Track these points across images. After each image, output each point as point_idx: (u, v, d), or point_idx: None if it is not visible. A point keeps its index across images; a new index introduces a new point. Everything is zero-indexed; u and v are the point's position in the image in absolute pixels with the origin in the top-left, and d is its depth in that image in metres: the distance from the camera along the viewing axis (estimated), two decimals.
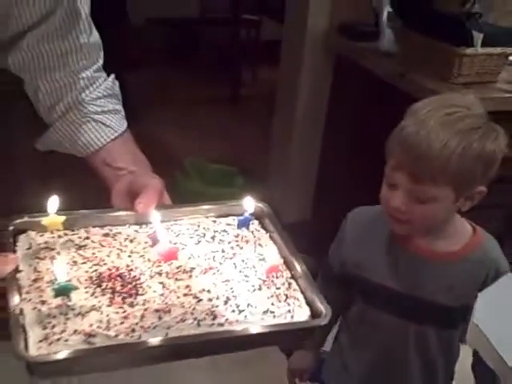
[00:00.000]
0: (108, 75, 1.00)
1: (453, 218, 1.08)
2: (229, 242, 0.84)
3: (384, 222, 1.08)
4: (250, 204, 0.86)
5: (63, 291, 0.69)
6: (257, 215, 0.88)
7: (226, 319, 0.70)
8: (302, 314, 0.72)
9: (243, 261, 0.80)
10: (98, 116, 0.97)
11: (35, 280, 0.72)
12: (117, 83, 1.01)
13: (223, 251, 0.82)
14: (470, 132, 0.98)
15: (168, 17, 4.40)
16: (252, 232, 0.86)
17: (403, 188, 0.99)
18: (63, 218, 0.80)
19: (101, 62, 1.00)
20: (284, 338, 0.74)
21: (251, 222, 0.86)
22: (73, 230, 0.82)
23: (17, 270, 0.73)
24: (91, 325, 0.67)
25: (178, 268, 0.77)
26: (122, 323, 0.68)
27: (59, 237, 0.81)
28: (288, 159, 2.49)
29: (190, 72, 4.44)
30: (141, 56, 4.10)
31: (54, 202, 0.80)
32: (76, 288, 0.72)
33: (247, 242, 0.84)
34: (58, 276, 0.70)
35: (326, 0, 2.20)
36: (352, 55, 2.14)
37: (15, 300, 0.69)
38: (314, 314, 0.73)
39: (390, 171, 1.02)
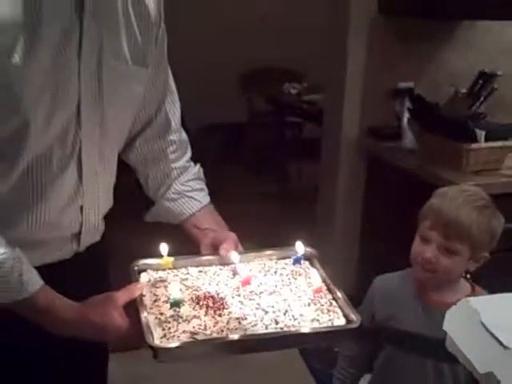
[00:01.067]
0: (195, 163, 1.39)
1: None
2: (286, 275, 1.18)
3: (406, 283, 1.45)
4: (300, 247, 1.22)
5: (176, 304, 1.06)
6: (306, 257, 1.22)
7: (285, 324, 1.03)
8: (339, 322, 1.05)
9: (297, 287, 1.13)
10: (189, 193, 1.32)
11: (155, 301, 1.08)
12: (201, 170, 1.38)
13: (282, 280, 1.16)
14: (483, 209, 1.37)
15: (221, 122, 4.91)
16: (304, 269, 1.20)
17: (435, 243, 1.36)
18: (172, 259, 1.18)
19: (189, 153, 1.36)
20: (326, 337, 1.07)
21: (302, 261, 1.21)
22: (177, 269, 1.20)
23: (142, 295, 1.09)
24: (194, 327, 1.01)
25: (250, 292, 1.12)
26: (214, 326, 1.02)
27: (168, 273, 1.18)
28: (330, 245, 2.86)
29: (240, 170, 4.90)
30: (196, 159, 4.58)
31: (164, 248, 1.18)
32: (183, 304, 1.07)
33: (300, 274, 1.18)
34: (173, 293, 1.07)
35: (356, 108, 2.62)
36: (381, 153, 2.56)
37: (144, 313, 1.04)
38: (349, 323, 1.05)
39: (425, 230, 1.39)
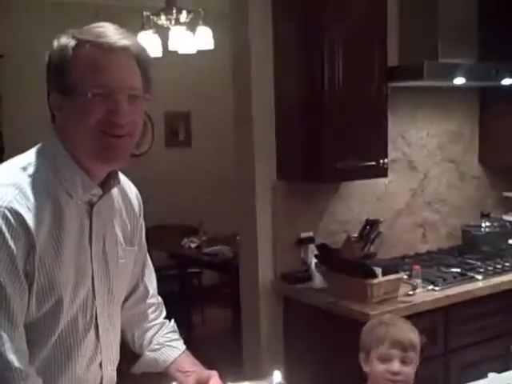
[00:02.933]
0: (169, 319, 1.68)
1: None
2: None
3: None
4: (278, 376, 1.51)
5: None
6: None
7: None
8: None
9: None
10: (169, 343, 1.61)
11: None
12: (175, 324, 1.67)
13: None
14: (411, 326, 1.88)
15: None
16: None
17: (397, 358, 1.79)
18: None
19: (165, 312, 1.67)
20: None
21: None
22: None
23: None
24: None
25: None
26: None
27: None
28: None
29: None
30: None
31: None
32: None
33: None
34: None
35: (269, 257, 3.01)
36: (294, 294, 2.95)
37: None
38: None
39: (385, 351, 1.80)
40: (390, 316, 2.02)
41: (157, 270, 4.83)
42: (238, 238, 3.31)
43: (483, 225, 3.42)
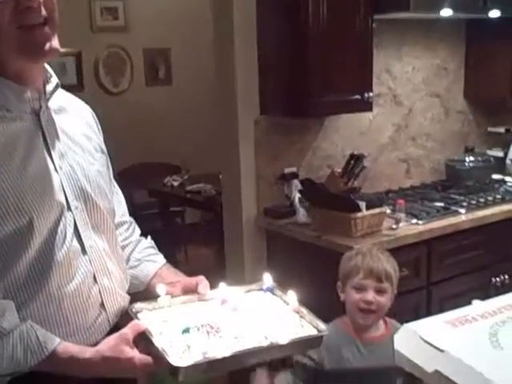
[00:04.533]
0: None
1: None
2: (265, 301, 1.46)
3: (340, 330, 1.83)
4: (268, 278, 1.49)
5: (186, 330, 1.26)
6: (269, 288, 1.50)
7: (272, 340, 1.27)
8: (311, 333, 1.33)
9: (275, 309, 1.41)
10: (147, 257, 1.56)
11: (161, 332, 1.28)
12: (152, 241, 1.63)
13: (263, 306, 1.43)
14: (389, 257, 1.88)
15: None
16: (277, 296, 1.48)
17: (371, 288, 1.80)
18: (169, 297, 1.40)
19: (139, 231, 1.62)
20: (306, 344, 1.37)
21: (275, 292, 1.48)
22: (171, 306, 1.40)
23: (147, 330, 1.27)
24: (203, 351, 1.21)
25: (241, 316, 1.35)
26: (217, 345, 1.23)
27: (169, 307, 1.39)
28: None
29: None
30: None
31: (162, 290, 1.39)
32: (189, 331, 1.27)
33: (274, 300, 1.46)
34: (182, 324, 1.28)
35: (252, 192, 2.99)
36: (278, 229, 2.95)
37: (157, 341, 1.22)
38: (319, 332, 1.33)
39: (359, 281, 1.82)
40: (368, 247, 2.02)
41: (139, 209, 4.79)
42: (220, 176, 3.28)
43: (467, 159, 3.42)
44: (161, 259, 1.61)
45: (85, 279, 1.31)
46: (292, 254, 2.90)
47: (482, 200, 3.04)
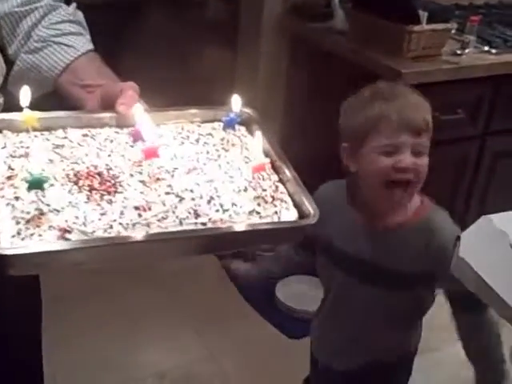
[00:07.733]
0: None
1: None
2: (214, 145, 0.83)
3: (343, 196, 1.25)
4: (237, 103, 0.86)
5: (38, 184, 0.70)
6: (243, 121, 0.88)
7: (210, 218, 0.70)
8: (289, 216, 0.73)
9: (228, 163, 0.80)
10: (58, 38, 0.97)
11: (9, 177, 0.72)
12: (79, 13, 1.03)
13: (208, 153, 0.81)
14: (420, 97, 1.17)
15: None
16: (239, 137, 0.86)
17: (408, 147, 1.13)
18: (38, 113, 0.81)
19: None
20: (269, 238, 0.75)
21: (237, 127, 0.86)
22: (50, 131, 0.82)
23: None
24: (66, 221, 0.66)
25: (159, 168, 0.77)
26: (99, 220, 0.68)
27: (35, 136, 0.81)
28: None
29: (139, 56, 4.49)
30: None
31: (25, 94, 0.80)
32: (52, 184, 0.71)
33: (233, 145, 0.84)
34: (33, 169, 0.70)
35: None
36: (307, 34, 2.29)
37: None
38: (302, 216, 0.73)
39: (390, 139, 1.13)
40: (390, 84, 1.26)
41: None
42: None
43: None
44: (82, 44, 0.99)
45: None
46: (318, 68, 2.27)
47: None
